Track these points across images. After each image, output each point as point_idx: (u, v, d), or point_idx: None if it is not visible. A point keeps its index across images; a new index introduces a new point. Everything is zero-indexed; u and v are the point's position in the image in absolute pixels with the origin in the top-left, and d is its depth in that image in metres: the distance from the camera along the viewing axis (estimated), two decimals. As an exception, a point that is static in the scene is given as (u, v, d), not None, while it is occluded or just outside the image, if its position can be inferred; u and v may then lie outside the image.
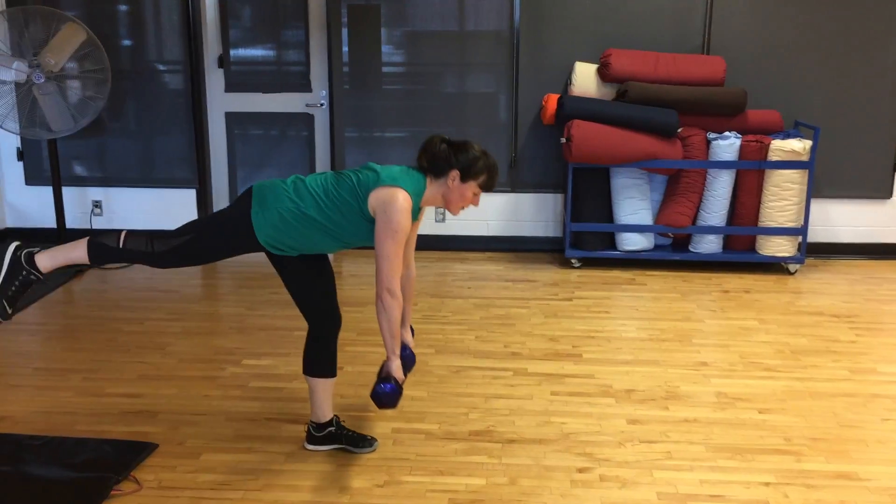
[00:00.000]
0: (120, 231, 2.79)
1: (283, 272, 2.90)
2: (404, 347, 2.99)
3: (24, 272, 2.75)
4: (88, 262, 2.77)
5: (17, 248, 2.78)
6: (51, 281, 4.99)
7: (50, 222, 5.70)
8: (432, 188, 2.79)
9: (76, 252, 2.76)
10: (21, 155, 5.78)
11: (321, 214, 2.72)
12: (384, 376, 2.76)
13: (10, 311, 2.77)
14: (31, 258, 2.76)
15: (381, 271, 2.66)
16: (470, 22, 5.51)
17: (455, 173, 2.76)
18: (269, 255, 2.85)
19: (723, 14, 5.35)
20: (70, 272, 5.16)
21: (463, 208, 2.84)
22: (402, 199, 2.66)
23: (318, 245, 2.79)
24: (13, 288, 2.75)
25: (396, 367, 2.76)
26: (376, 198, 2.67)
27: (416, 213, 2.76)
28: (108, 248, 2.75)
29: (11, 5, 5.44)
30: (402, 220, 2.65)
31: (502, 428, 3.23)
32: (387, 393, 2.72)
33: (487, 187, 2.81)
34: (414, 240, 2.99)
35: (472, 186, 2.78)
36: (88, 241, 2.77)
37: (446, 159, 2.75)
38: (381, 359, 3.86)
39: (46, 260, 2.77)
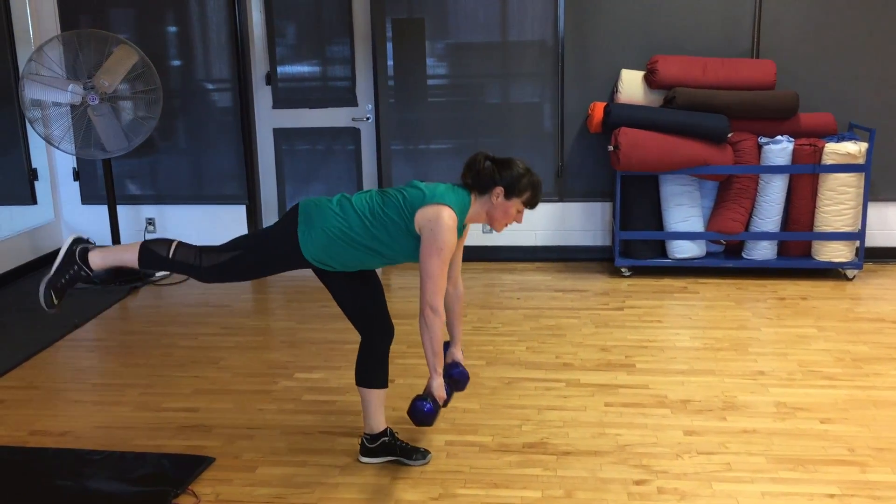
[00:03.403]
0: (173, 241, 2.83)
1: (330, 286, 2.93)
2: (456, 365, 3.00)
3: (76, 267, 2.81)
4: (137, 267, 2.82)
5: (74, 242, 2.84)
6: (107, 297, 5.10)
7: (105, 240, 5.82)
8: (476, 205, 2.80)
9: (127, 255, 2.82)
10: (77, 175, 5.93)
11: (368, 234, 2.74)
12: (424, 394, 2.78)
13: (55, 303, 2.82)
14: (84, 254, 2.82)
15: (426, 289, 2.68)
16: (513, 32, 5.50)
17: (499, 190, 2.76)
18: (316, 269, 2.87)
19: (772, 16, 5.27)
20: (125, 288, 5.26)
21: (507, 225, 2.84)
22: (448, 216, 2.67)
23: (364, 263, 2.82)
24: (62, 280, 2.81)
25: (438, 386, 2.78)
26: (423, 215, 2.69)
27: (461, 230, 2.78)
28: (159, 256, 2.81)
29: (66, 29, 5.59)
30: (448, 238, 2.67)
31: (556, 440, 3.20)
32: (423, 412, 2.75)
33: (531, 204, 2.82)
34: (460, 257, 3.00)
35: (515, 203, 2.79)
36: (141, 246, 2.82)
37: (490, 177, 2.76)
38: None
39: (98, 259, 2.83)
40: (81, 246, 2.84)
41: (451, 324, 3.04)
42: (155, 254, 2.81)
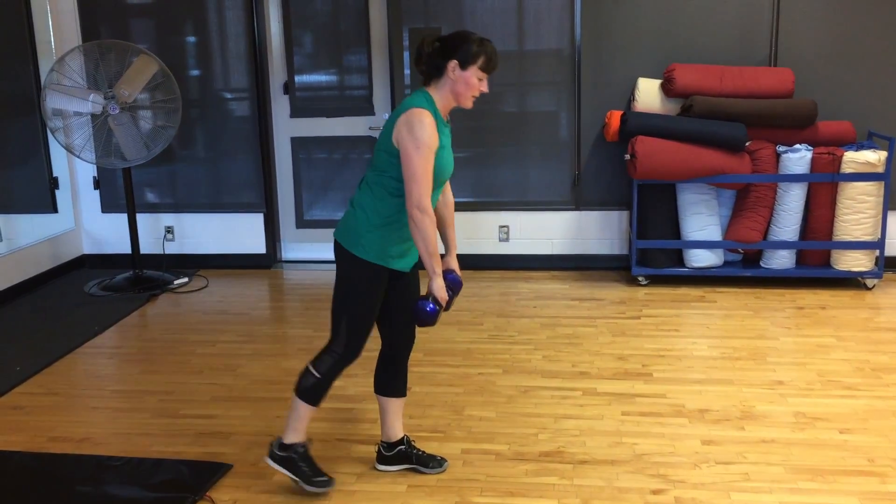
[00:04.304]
0: (307, 368, 2.87)
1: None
2: (450, 271, 2.92)
3: (293, 455, 2.90)
4: (315, 406, 2.89)
5: (272, 456, 2.92)
6: (126, 305, 5.14)
7: (125, 248, 5.88)
8: (439, 91, 2.74)
9: (301, 411, 2.88)
10: (97, 184, 5.98)
11: (395, 200, 2.73)
12: (426, 295, 2.76)
13: (324, 477, 2.92)
14: (284, 446, 2.90)
15: (411, 191, 2.63)
16: (530, 41, 5.51)
17: (453, 64, 2.70)
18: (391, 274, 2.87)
19: (790, 24, 5.25)
20: (144, 296, 5.30)
21: (475, 97, 2.76)
22: (418, 113, 2.64)
23: None
24: (304, 470, 2.90)
25: (438, 287, 2.75)
26: (397, 130, 2.66)
27: (441, 125, 2.73)
28: (314, 385, 2.85)
29: (87, 40, 5.65)
30: (423, 134, 2.61)
31: (573, 449, 3.19)
32: (426, 311, 2.74)
33: (489, 68, 2.73)
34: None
35: (474, 72, 2.71)
36: (299, 396, 2.87)
37: (441, 54, 2.71)
38: (450, 380, 3.89)
39: (293, 436, 2.90)
40: (277, 444, 2.92)
41: (443, 233, 3.00)
42: (311, 388, 2.86)
